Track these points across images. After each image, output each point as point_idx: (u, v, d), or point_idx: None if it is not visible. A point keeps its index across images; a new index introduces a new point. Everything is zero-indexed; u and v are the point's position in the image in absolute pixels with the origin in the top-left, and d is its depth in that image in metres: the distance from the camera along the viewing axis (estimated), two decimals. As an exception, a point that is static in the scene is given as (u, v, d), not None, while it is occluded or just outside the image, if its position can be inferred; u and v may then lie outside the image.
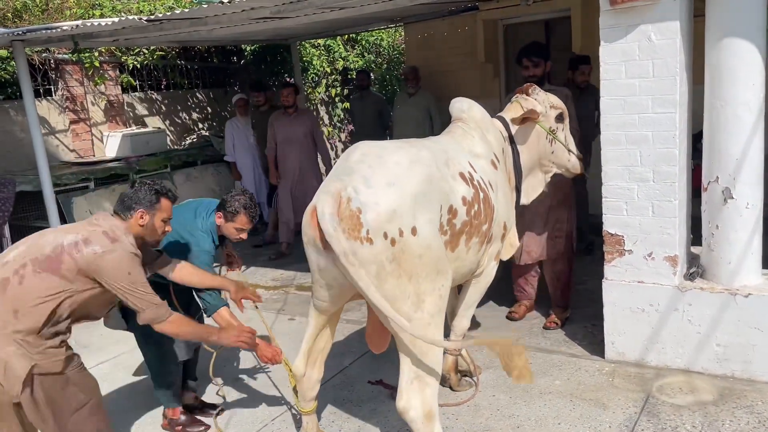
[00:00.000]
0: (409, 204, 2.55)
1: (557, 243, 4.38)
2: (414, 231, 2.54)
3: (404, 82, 7.66)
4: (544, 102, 3.51)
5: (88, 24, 5.03)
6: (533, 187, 3.67)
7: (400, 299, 2.54)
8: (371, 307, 2.66)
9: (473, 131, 3.17)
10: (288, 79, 10.23)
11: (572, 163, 3.70)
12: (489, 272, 3.28)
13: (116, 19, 4.87)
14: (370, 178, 2.55)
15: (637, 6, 3.37)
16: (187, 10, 4.79)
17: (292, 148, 6.76)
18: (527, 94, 3.54)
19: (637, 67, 3.46)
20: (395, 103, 7.72)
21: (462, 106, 3.27)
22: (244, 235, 3.28)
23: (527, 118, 3.40)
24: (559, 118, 3.59)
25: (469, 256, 2.96)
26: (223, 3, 4.12)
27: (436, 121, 7.27)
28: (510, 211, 3.32)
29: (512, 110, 3.51)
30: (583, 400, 3.40)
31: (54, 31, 5.27)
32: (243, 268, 3.33)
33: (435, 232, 2.63)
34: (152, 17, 4.56)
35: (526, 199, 3.64)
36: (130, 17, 4.95)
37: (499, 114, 3.51)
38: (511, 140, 3.43)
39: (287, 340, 4.53)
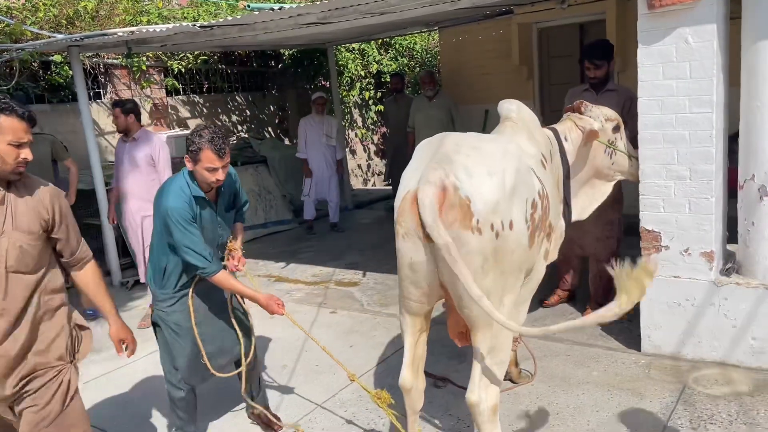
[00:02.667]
0: (509, 196, 2.52)
1: (608, 243, 4.45)
2: (511, 225, 2.52)
3: (422, 86, 7.88)
4: (599, 117, 3.52)
5: (143, 30, 5.30)
6: (590, 200, 3.66)
7: (493, 293, 2.51)
8: (454, 304, 2.63)
9: (522, 131, 3.17)
10: (323, 83, 10.49)
11: (635, 167, 3.74)
12: (540, 270, 3.17)
13: (171, 26, 5.14)
14: (470, 167, 2.49)
15: (674, 9, 3.49)
16: (239, 17, 5.03)
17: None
18: (580, 112, 3.54)
19: (674, 68, 3.58)
20: (415, 108, 7.90)
21: (511, 107, 3.28)
22: (220, 176, 2.93)
23: (589, 138, 3.42)
24: (616, 129, 3.61)
25: (535, 252, 2.90)
26: (273, 10, 4.34)
27: (457, 123, 7.51)
28: (557, 212, 3.29)
29: (565, 126, 3.50)
30: (620, 390, 3.53)
31: (109, 37, 5.56)
32: (244, 270, 3.29)
33: (524, 227, 2.62)
34: (205, 23, 4.82)
35: (580, 215, 3.62)
36: (184, 24, 5.20)
37: (551, 126, 3.52)
38: (562, 153, 3.42)
39: (330, 332, 4.75)
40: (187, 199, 2.95)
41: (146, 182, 5.35)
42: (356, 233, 8.07)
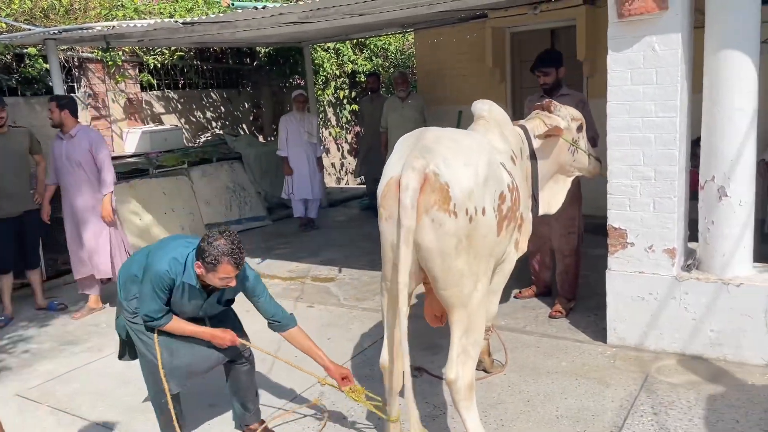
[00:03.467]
0: (481, 185, 2.75)
1: (570, 239, 4.71)
2: (484, 211, 2.74)
3: (395, 87, 8.02)
4: (566, 117, 3.75)
5: (123, 25, 5.32)
6: (555, 194, 3.90)
7: (466, 275, 2.72)
8: (432, 285, 2.82)
9: (494, 129, 3.37)
10: (299, 81, 10.55)
11: (593, 165, 4.01)
12: (512, 259, 3.42)
13: (152, 21, 5.17)
14: (449, 158, 2.70)
15: (642, 19, 3.69)
16: (221, 15, 5.09)
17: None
18: (549, 111, 3.75)
19: (641, 74, 3.78)
20: (388, 108, 8.02)
21: (483, 107, 3.47)
22: (233, 283, 2.93)
23: (551, 135, 3.65)
24: (580, 128, 3.86)
25: (505, 241, 3.12)
26: (256, 8, 4.42)
27: (430, 123, 7.72)
28: (526, 205, 3.52)
29: (534, 124, 3.70)
30: (587, 379, 3.71)
31: (88, 31, 5.56)
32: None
33: (494, 215, 2.84)
34: (187, 20, 4.87)
35: (548, 209, 3.87)
36: (166, 20, 5.24)
37: (520, 122, 3.73)
38: (530, 149, 3.61)
39: (308, 326, 4.80)
40: (176, 274, 2.97)
41: (86, 178, 5.34)
42: (331, 230, 8.17)
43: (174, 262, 2.97)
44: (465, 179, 2.68)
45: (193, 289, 3.02)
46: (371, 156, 8.79)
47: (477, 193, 2.71)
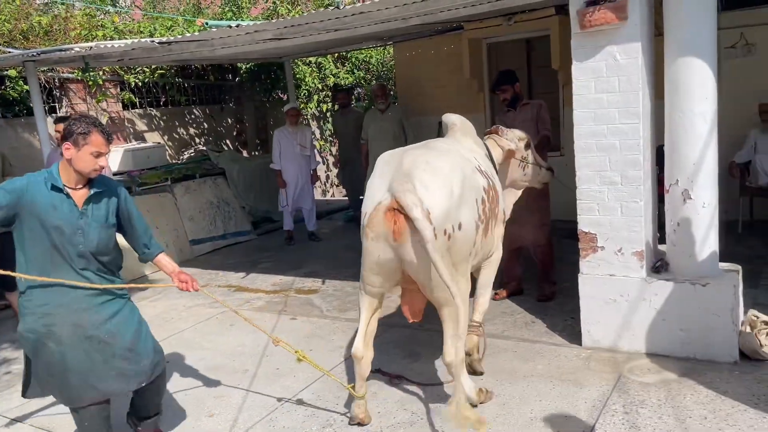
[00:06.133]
0: (456, 204, 3.11)
1: (544, 230, 5.14)
2: (460, 226, 3.12)
3: (374, 99, 8.17)
4: (513, 139, 4.13)
5: (102, 46, 5.40)
6: (507, 205, 4.26)
7: (449, 281, 3.06)
8: (411, 288, 3.27)
9: (468, 135, 3.78)
10: (281, 96, 10.66)
11: (542, 176, 4.42)
12: (498, 252, 3.85)
13: (129, 41, 5.25)
14: (426, 182, 3.05)
15: (603, 29, 3.81)
16: (197, 33, 5.18)
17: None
18: (498, 135, 4.11)
19: (604, 83, 3.90)
20: (368, 121, 8.21)
21: (454, 119, 3.88)
22: (103, 162, 2.87)
23: (507, 157, 4.07)
24: (527, 146, 4.26)
25: (492, 239, 3.56)
26: (231, 27, 4.52)
27: (409, 134, 7.87)
28: (504, 200, 3.90)
29: (490, 144, 4.05)
30: (562, 381, 3.79)
31: (67, 52, 5.64)
32: (201, 289, 3.33)
33: (473, 225, 3.22)
34: (164, 39, 4.95)
35: (507, 214, 4.23)
36: (143, 39, 5.33)
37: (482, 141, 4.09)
38: (493, 164, 3.98)
39: (290, 338, 4.88)
40: (43, 182, 2.85)
41: None
42: (316, 243, 8.24)
43: (38, 175, 2.89)
44: (442, 202, 3.05)
45: (61, 197, 2.86)
46: (348, 167, 8.93)
47: (453, 212, 3.09)
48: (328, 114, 11.64)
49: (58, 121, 5.68)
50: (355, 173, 8.84)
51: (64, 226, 2.88)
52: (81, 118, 2.89)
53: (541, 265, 5.27)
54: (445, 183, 3.10)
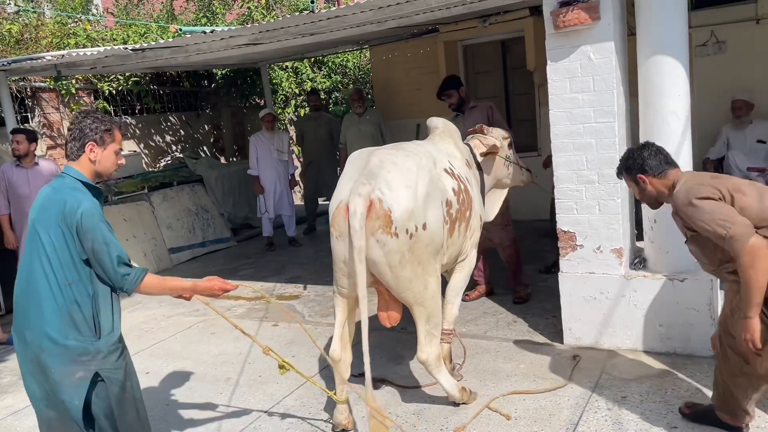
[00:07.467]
0: (421, 204, 3.14)
1: (508, 230, 5.21)
2: (425, 226, 3.15)
3: (351, 104, 8.17)
4: (498, 137, 4.19)
5: (74, 54, 5.32)
6: (493, 204, 4.34)
7: (415, 280, 3.17)
8: (385, 290, 3.26)
9: (449, 139, 3.81)
10: (258, 101, 10.59)
11: (525, 176, 4.51)
12: (471, 258, 3.82)
13: (102, 49, 5.18)
14: (391, 182, 3.09)
15: (577, 29, 3.85)
16: (171, 40, 5.13)
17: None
18: (483, 134, 4.16)
19: (579, 82, 3.93)
20: (345, 125, 8.20)
21: (437, 122, 3.94)
22: (122, 160, 2.67)
23: (491, 153, 4.09)
24: (510, 145, 4.34)
25: (460, 240, 3.54)
26: (206, 33, 4.48)
27: (387, 137, 7.88)
28: (480, 206, 3.90)
29: (474, 143, 4.09)
30: (545, 380, 3.81)
31: (38, 61, 5.55)
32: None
33: (440, 225, 3.25)
34: (137, 46, 4.90)
35: (491, 215, 4.29)
36: (116, 47, 5.26)
37: (465, 141, 4.10)
38: (477, 165, 4.02)
39: (272, 344, 4.84)
40: (90, 195, 2.51)
41: None
42: (296, 248, 8.20)
43: (74, 191, 2.48)
44: (405, 201, 3.09)
45: (100, 193, 2.59)
46: (311, 170, 8.88)
47: (417, 212, 3.12)
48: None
49: (20, 132, 5.58)
50: (321, 178, 8.79)
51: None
52: (95, 115, 2.58)
53: (510, 267, 5.30)
54: (410, 183, 3.14)
